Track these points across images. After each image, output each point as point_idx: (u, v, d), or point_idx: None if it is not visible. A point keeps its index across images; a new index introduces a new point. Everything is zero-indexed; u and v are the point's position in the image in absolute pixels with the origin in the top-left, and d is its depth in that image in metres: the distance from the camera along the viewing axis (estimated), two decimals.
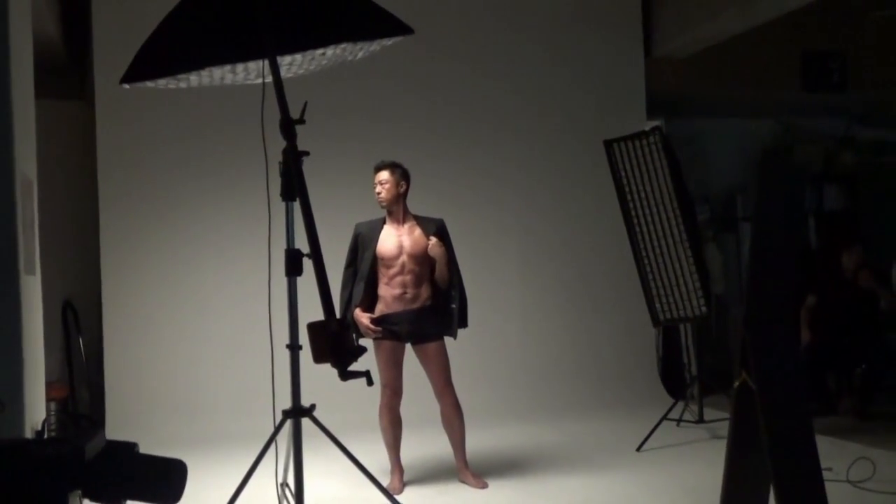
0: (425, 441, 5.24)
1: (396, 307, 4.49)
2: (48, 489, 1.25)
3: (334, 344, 3.10)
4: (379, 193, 4.54)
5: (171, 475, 1.35)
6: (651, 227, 5.37)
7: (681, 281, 5.32)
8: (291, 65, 3.65)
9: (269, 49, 3.29)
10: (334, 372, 3.24)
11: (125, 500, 1.32)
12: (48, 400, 6.08)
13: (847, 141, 8.85)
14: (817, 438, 3.10)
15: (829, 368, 6.51)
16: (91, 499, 1.31)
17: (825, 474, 3.17)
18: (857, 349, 6.22)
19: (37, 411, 4.00)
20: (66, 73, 6.80)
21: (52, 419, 5.76)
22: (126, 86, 3.50)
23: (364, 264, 4.53)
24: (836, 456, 4.61)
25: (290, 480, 3.47)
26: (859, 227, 8.30)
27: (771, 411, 2.98)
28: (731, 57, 7.59)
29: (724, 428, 4.16)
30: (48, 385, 6.19)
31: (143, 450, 1.43)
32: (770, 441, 2.95)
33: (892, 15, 7.71)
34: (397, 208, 4.56)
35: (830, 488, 3.16)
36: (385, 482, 4.32)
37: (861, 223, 8.47)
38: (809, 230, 8.50)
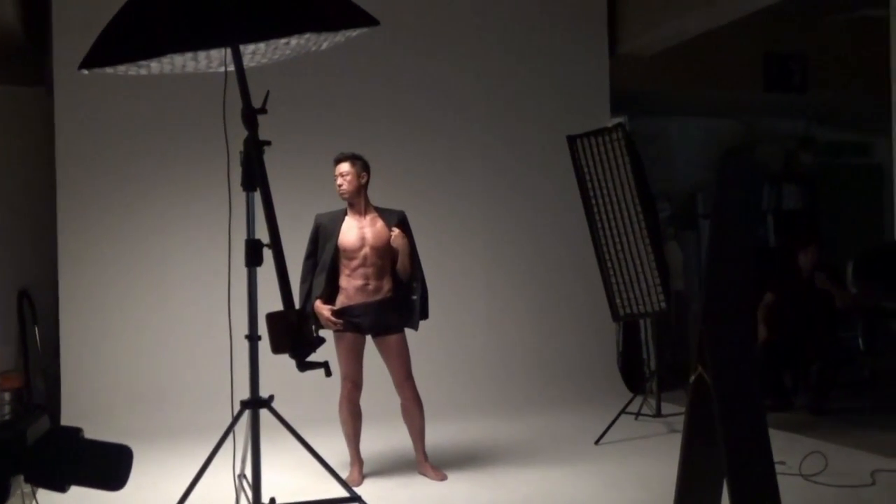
0: (385, 433, 5.24)
1: (358, 299, 4.49)
2: None
3: (293, 334, 3.09)
4: (340, 185, 4.52)
5: (116, 460, 1.32)
6: (612, 223, 5.42)
7: (641, 277, 5.37)
8: (255, 54, 3.62)
9: (232, 37, 3.26)
10: (293, 363, 3.23)
11: (69, 485, 1.29)
12: (3, 390, 6.00)
13: (806, 141, 9.00)
14: (772, 433, 3.14)
15: (786, 365, 6.62)
16: (34, 483, 1.28)
17: (778, 468, 3.21)
18: (812, 346, 6.33)
19: None
20: (25, 58, 6.67)
21: (6, 409, 5.67)
22: (85, 71, 3.44)
23: (325, 255, 4.52)
24: (789, 450, 4.70)
25: (248, 472, 3.45)
26: (817, 227, 8.44)
27: (725, 404, 3.02)
28: (694, 56, 7.67)
29: (681, 422, 4.20)
30: (3, 375, 6.12)
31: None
32: (724, 434, 2.98)
33: (852, 18, 7.84)
34: (358, 200, 4.55)
35: (783, 481, 3.20)
36: (344, 474, 4.31)
37: (819, 223, 8.62)
38: (768, 229, 8.62)
